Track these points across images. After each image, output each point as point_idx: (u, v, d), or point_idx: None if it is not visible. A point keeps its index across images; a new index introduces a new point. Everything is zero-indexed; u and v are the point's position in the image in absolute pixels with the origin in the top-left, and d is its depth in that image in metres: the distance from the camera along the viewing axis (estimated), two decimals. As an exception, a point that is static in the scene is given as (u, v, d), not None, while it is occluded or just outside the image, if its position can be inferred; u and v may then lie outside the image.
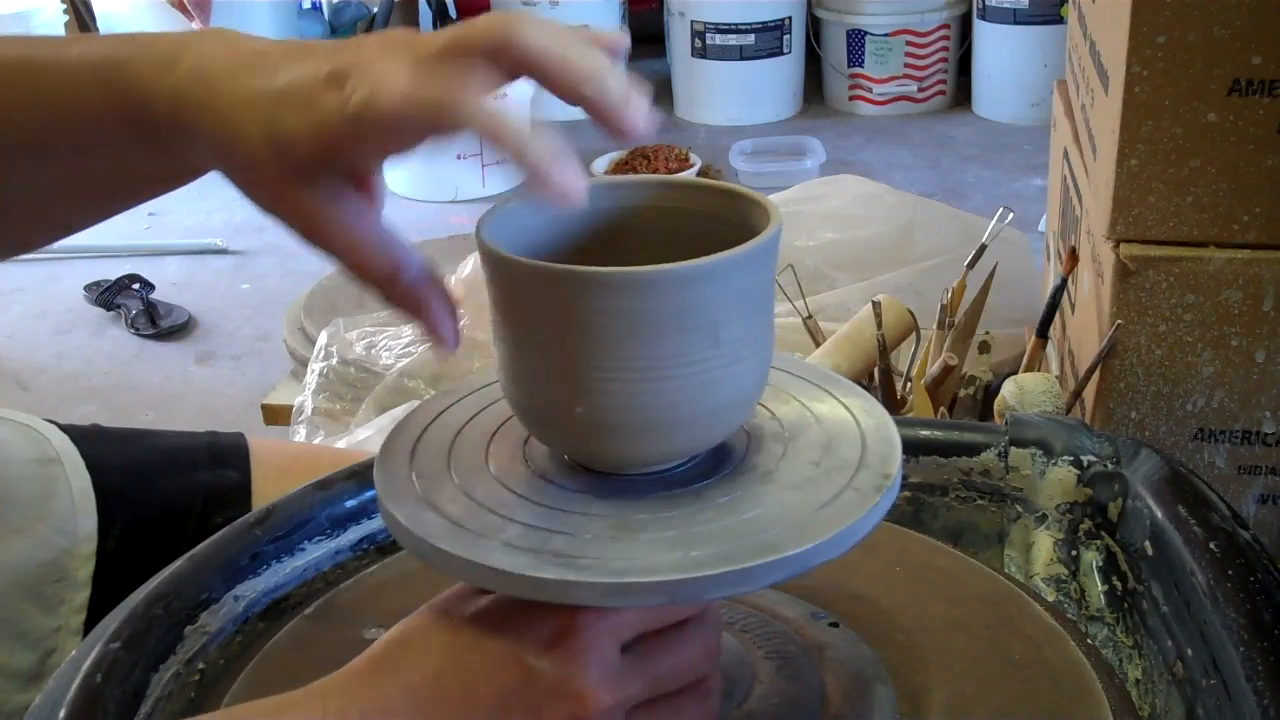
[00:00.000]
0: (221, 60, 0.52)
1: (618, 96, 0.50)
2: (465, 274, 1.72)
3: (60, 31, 3.11)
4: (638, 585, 0.50)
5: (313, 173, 0.51)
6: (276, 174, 0.51)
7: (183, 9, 2.75)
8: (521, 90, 0.53)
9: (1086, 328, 1.19)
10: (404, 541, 0.54)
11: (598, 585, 0.50)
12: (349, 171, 0.52)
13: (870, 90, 3.59)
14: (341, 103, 0.49)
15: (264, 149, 0.50)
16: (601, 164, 3.05)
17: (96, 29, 3.32)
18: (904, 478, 0.80)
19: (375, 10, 3.83)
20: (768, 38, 3.55)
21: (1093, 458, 0.78)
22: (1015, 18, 3.36)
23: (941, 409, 1.26)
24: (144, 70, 0.54)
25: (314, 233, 0.52)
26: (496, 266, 0.53)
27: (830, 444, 0.58)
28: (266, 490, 0.93)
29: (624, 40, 0.53)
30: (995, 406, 1.13)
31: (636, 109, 0.50)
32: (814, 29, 3.65)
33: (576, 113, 0.51)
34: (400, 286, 0.53)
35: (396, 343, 1.76)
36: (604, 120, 0.50)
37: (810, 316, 1.44)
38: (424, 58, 0.49)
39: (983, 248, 1.40)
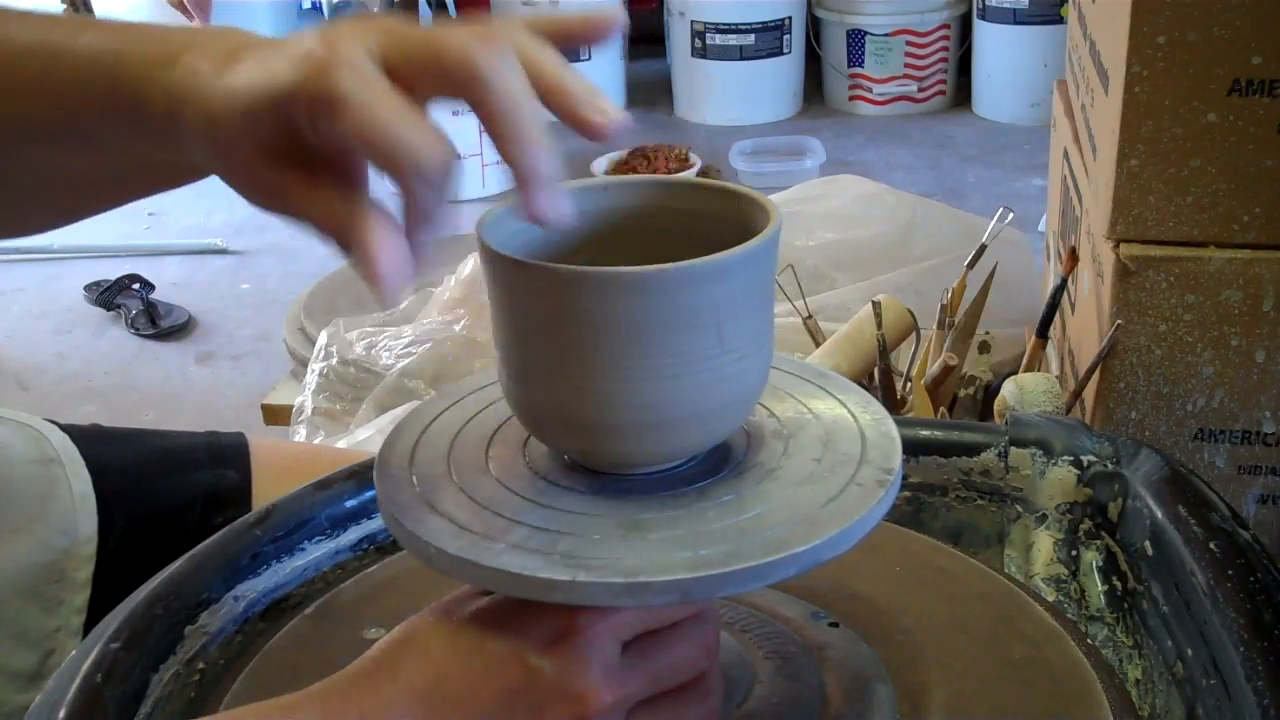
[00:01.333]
0: (213, 55, 0.52)
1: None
2: (465, 274, 1.72)
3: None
4: (651, 585, 0.50)
5: (277, 147, 0.50)
6: (246, 157, 0.50)
7: (182, 8, 2.75)
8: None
9: (1086, 328, 1.19)
10: (408, 545, 0.54)
11: (610, 586, 0.50)
12: (308, 144, 0.50)
13: (870, 90, 3.60)
14: (292, 63, 0.48)
15: (236, 131, 0.50)
16: (601, 164, 3.05)
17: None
18: (904, 478, 0.80)
19: (375, 10, 3.84)
20: (768, 38, 3.55)
21: (1093, 458, 0.78)
22: (1015, 18, 3.36)
23: (941, 409, 1.26)
24: (143, 67, 0.54)
25: (283, 209, 0.51)
26: (496, 266, 0.53)
27: (830, 441, 0.58)
28: (267, 490, 0.93)
29: (615, 19, 0.52)
30: (995, 406, 1.13)
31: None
32: (814, 29, 3.65)
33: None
34: (353, 235, 0.49)
35: (396, 343, 1.75)
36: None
37: (810, 316, 1.44)
38: (392, 46, 0.49)
39: (983, 248, 1.40)
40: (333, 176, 0.51)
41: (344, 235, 0.49)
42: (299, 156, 0.50)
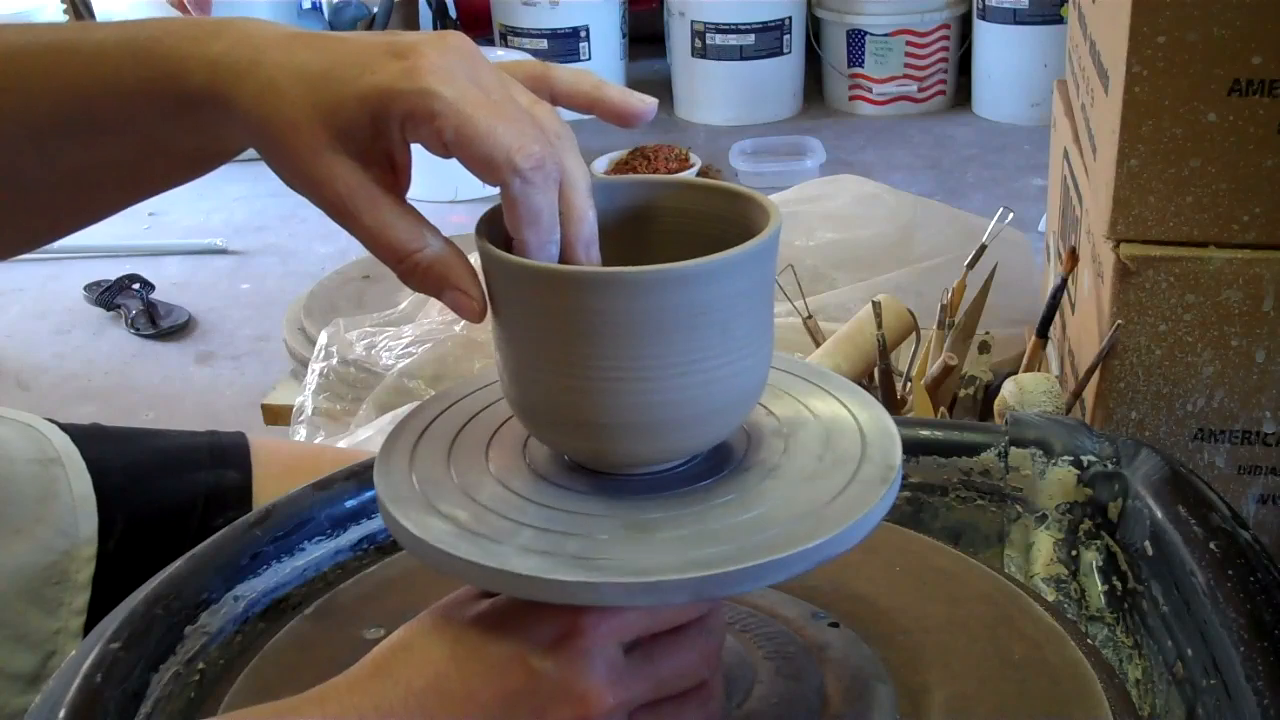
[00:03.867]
0: (269, 34, 0.53)
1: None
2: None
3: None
4: (663, 584, 0.50)
5: (349, 141, 0.51)
6: (312, 141, 0.51)
7: (182, 9, 2.75)
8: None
9: (1086, 328, 1.19)
10: (410, 547, 0.54)
11: (623, 586, 0.50)
12: (383, 148, 0.52)
13: (870, 90, 3.60)
14: (406, 69, 0.50)
15: (307, 113, 0.51)
16: (601, 164, 3.05)
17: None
18: (904, 478, 0.80)
19: (375, 10, 3.83)
20: (768, 38, 3.55)
21: (1093, 458, 0.78)
22: (1015, 18, 3.36)
23: (941, 409, 1.26)
24: (181, 41, 0.54)
25: (339, 205, 0.52)
26: (495, 267, 0.53)
27: (830, 439, 0.58)
28: (267, 490, 0.93)
29: (652, 104, 0.57)
30: (995, 406, 1.13)
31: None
32: (814, 29, 3.65)
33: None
34: (420, 264, 0.53)
35: (396, 343, 1.75)
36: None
37: (810, 316, 1.44)
38: (480, 63, 0.52)
39: (983, 248, 1.40)
40: (387, 184, 0.52)
41: (421, 273, 0.53)
42: (355, 150, 0.51)
